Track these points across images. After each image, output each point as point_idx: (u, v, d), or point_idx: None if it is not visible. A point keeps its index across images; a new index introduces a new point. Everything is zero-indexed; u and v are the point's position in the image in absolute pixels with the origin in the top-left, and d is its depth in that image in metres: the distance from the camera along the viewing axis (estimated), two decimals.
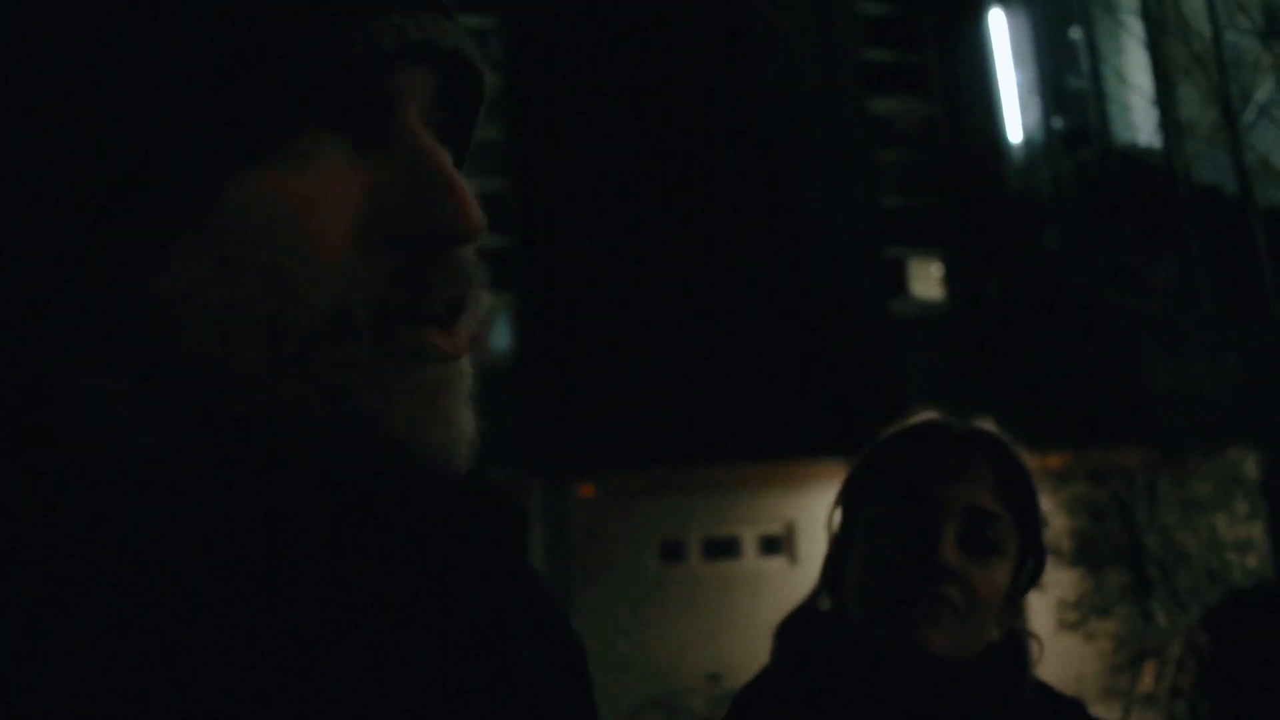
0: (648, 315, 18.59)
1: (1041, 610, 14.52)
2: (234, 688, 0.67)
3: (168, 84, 0.69)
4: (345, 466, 0.72)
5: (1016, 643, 1.80)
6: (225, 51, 0.69)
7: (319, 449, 0.71)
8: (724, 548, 18.97)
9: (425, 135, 0.74)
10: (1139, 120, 17.22)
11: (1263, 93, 13.49)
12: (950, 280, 21.33)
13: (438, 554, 0.78)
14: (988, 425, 1.85)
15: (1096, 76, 19.49)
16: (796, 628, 1.85)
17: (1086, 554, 14.21)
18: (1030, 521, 1.80)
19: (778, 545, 18.73)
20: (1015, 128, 21.30)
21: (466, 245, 0.74)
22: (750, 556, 18.95)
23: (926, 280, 21.62)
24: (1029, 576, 1.82)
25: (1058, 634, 14.37)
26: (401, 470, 0.73)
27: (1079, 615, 14.25)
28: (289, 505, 0.71)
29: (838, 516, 1.87)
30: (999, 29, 21.69)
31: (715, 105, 19.70)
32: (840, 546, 1.84)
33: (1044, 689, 1.86)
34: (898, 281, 21.17)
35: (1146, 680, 13.82)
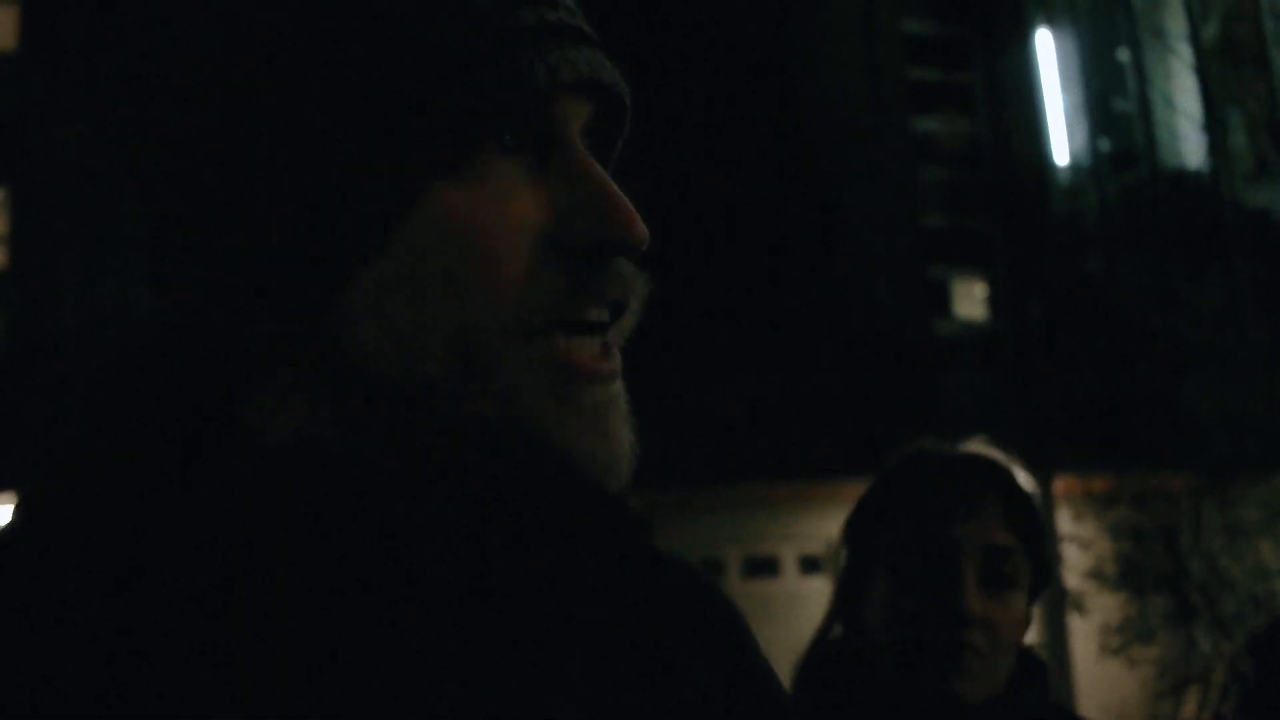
0: (688, 331, 18.58)
1: (1085, 635, 14.44)
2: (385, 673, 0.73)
3: (362, 112, 0.76)
4: (516, 477, 0.77)
5: (1034, 666, 1.82)
6: (418, 80, 0.76)
7: (493, 459, 0.76)
8: (763, 566, 18.89)
9: (589, 156, 0.81)
10: (1187, 144, 17.15)
11: None
12: (994, 301, 21.23)
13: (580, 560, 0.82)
14: (987, 449, 1.86)
15: (1144, 99, 19.39)
16: (817, 661, 1.86)
17: (1130, 579, 14.10)
18: (1039, 547, 1.82)
19: (818, 565, 18.66)
20: (1061, 149, 21.19)
21: (631, 255, 0.81)
22: (790, 575, 18.86)
23: (970, 300, 21.52)
24: (1039, 592, 1.84)
25: (1101, 659, 14.28)
26: (568, 483, 0.78)
27: (1122, 641, 14.15)
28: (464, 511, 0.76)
29: (846, 550, 1.90)
30: (1046, 49, 21.59)
31: (758, 122, 19.69)
32: (855, 581, 1.85)
33: (1061, 710, 1.89)
34: (941, 301, 21.07)
35: (1190, 707, 13.70)
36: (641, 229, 0.80)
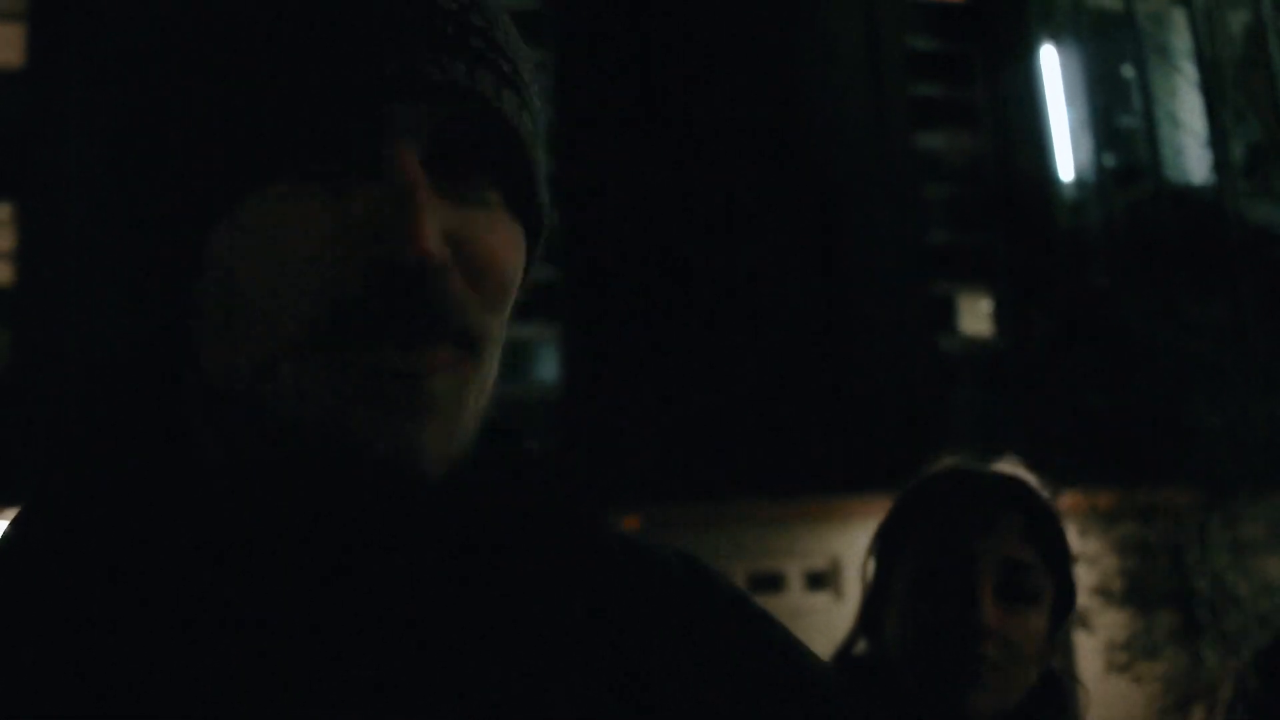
0: (694, 348, 18.60)
1: (1090, 652, 14.41)
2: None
3: (169, 142, 0.79)
4: (321, 474, 0.77)
5: (1055, 684, 1.82)
6: (210, 103, 0.76)
7: (292, 459, 0.77)
8: (769, 582, 18.87)
9: (405, 168, 0.75)
10: (1191, 160, 17.18)
11: None
12: (999, 317, 21.24)
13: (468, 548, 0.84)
14: (1013, 467, 1.85)
15: (1149, 114, 19.41)
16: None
17: (1136, 595, 14.08)
18: (1061, 564, 1.81)
19: (823, 581, 18.64)
20: (1066, 164, 21.21)
21: (423, 274, 0.75)
22: (795, 591, 18.85)
23: (975, 316, 21.53)
24: (1063, 615, 1.84)
25: (1106, 676, 14.25)
26: (355, 481, 0.77)
27: (1128, 657, 14.13)
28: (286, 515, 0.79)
29: (872, 564, 1.88)
30: (1050, 65, 21.62)
31: (763, 139, 19.72)
32: (877, 595, 1.85)
33: None
34: (946, 317, 21.09)
35: None
36: (416, 246, 0.74)
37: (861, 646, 1.88)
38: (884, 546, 1.87)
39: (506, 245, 0.82)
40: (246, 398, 0.77)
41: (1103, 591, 14.07)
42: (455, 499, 0.83)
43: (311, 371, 0.75)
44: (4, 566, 0.81)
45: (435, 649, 0.79)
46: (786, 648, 0.97)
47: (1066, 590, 1.83)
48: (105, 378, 0.89)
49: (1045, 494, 1.83)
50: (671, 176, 19.34)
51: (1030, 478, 1.83)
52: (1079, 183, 20.96)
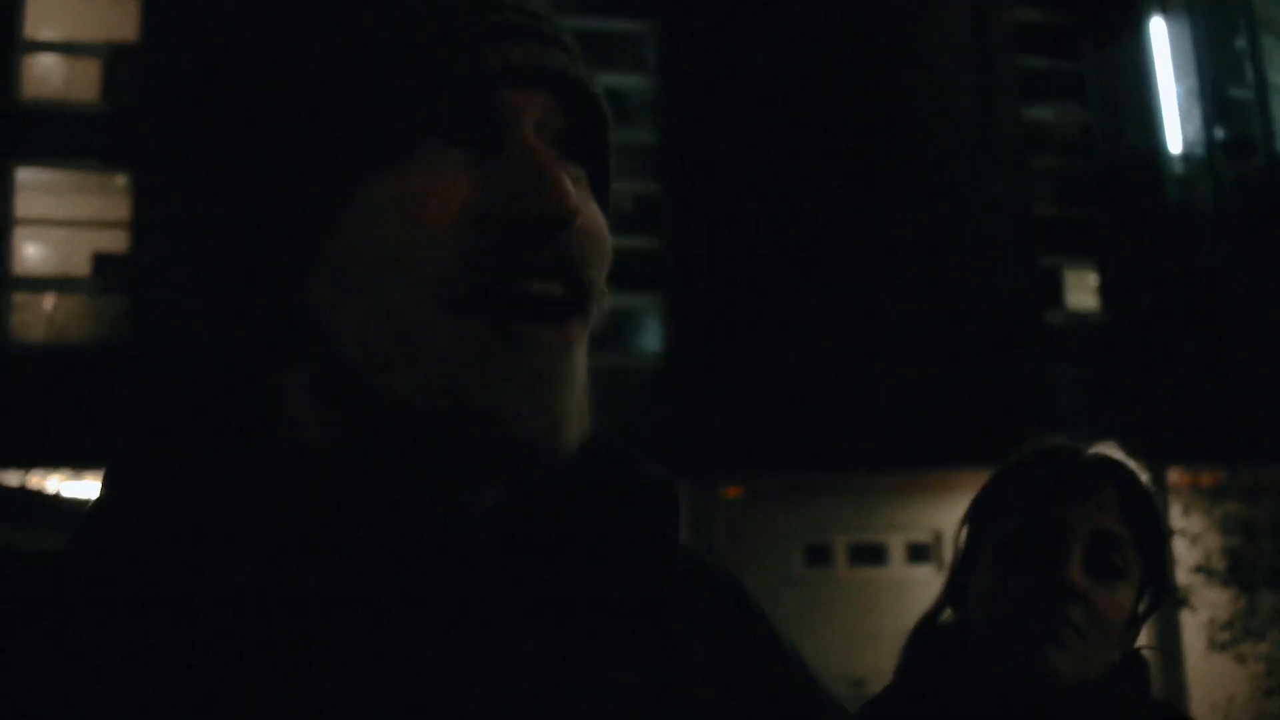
0: (798, 318, 18.56)
1: (1193, 629, 14.28)
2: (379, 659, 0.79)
3: (298, 112, 0.84)
4: (462, 453, 0.81)
5: (1137, 665, 1.81)
6: (348, 83, 0.83)
7: (434, 434, 0.81)
8: (870, 554, 18.86)
9: (532, 140, 0.84)
10: None
11: None
12: (1105, 291, 20.99)
13: (585, 541, 0.88)
14: (1113, 450, 1.86)
15: (1260, 87, 19.07)
16: (920, 643, 1.88)
17: (1239, 574, 13.90)
18: (1154, 547, 1.81)
19: (925, 553, 18.58)
20: (1175, 138, 20.90)
21: (563, 229, 0.82)
22: (897, 563, 18.82)
23: (1081, 290, 21.29)
24: (1152, 602, 1.82)
25: (1208, 654, 14.11)
26: (502, 454, 0.81)
27: (1231, 636, 13.96)
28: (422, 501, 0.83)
29: (964, 534, 1.91)
30: (1159, 37, 21.30)
31: (868, 111, 19.61)
32: (966, 562, 1.87)
33: (1165, 709, 1.91)
34: (1052, 291, 20.87)
35: None
36: (566, 203, 0.81)
37: (947, 615, 1.90)
38: (976, 516, 1.90)
39: (602, 219, 0.89)
40: (386, 365, 0.80)
41: (1205, 570, 13.91)
42: (581, 486, 0.89)
43: (467, 330, 0.80)
44: (87, 557, 0.82)
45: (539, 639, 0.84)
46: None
47: (1158, 575, 1.82)
48: (195, 356, 0.91)
49: (1143, 476, 1.84)
50: (777, 147, 19.31)
51: (1129, 460, 1.85)
52: (1188, 156, 20.63)
